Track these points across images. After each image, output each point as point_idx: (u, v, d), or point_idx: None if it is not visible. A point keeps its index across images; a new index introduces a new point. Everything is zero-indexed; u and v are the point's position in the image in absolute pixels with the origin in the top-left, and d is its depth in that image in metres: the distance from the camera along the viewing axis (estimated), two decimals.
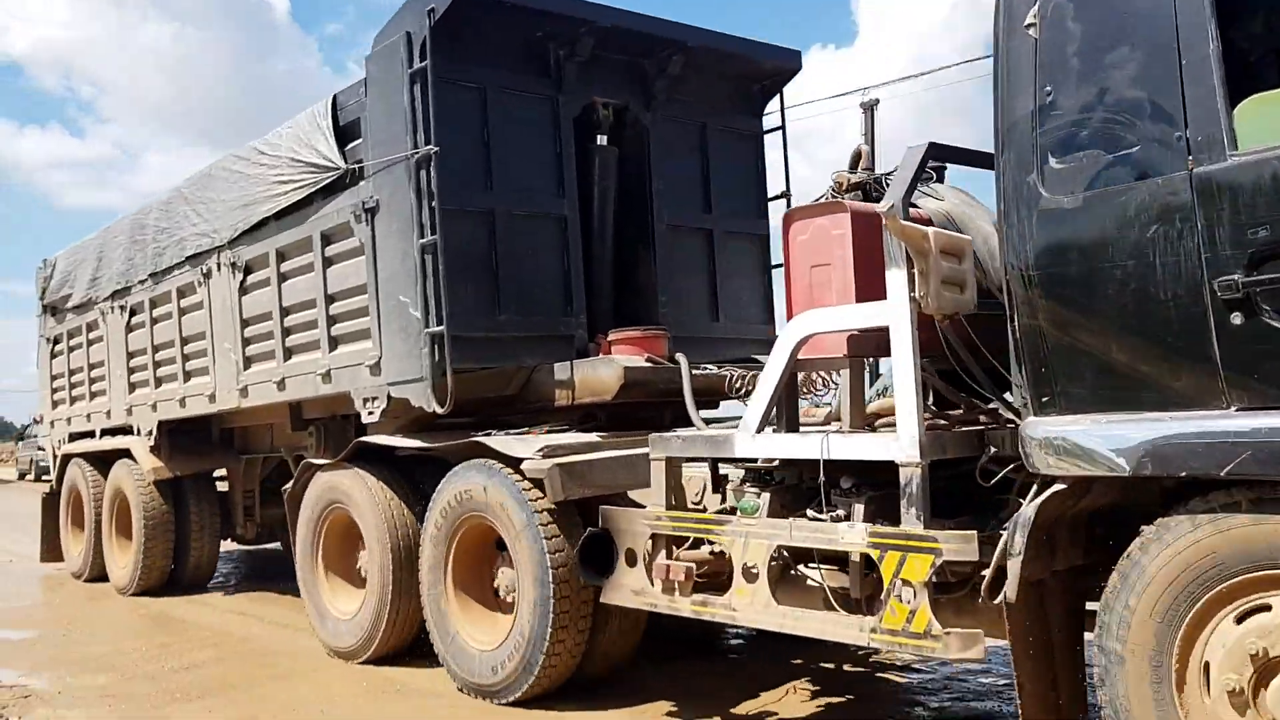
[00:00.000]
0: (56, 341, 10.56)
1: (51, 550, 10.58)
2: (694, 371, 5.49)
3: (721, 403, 6.35)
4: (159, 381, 8.50)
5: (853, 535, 3.58)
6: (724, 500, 4.44)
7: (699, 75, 6.57)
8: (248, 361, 7.24)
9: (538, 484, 4.81)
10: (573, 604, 4.75)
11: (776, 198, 7.07)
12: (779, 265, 7.09)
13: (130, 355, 8.94)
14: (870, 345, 3.81)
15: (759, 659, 6.10)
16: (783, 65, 6.87)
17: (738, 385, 5.42)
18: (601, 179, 6.34)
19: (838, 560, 3.88)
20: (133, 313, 8.84)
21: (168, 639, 7.20)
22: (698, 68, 6.51)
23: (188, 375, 8.05)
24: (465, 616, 5.28)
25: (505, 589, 5.17)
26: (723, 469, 4.52)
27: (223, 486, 9.25)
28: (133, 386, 8.94)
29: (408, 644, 5.96)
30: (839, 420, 4.19)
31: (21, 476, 32.85)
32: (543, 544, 4.74)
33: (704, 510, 4.38)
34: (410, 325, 5.66)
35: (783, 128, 7.07)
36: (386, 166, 5.80)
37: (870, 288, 3.77)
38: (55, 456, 10.64)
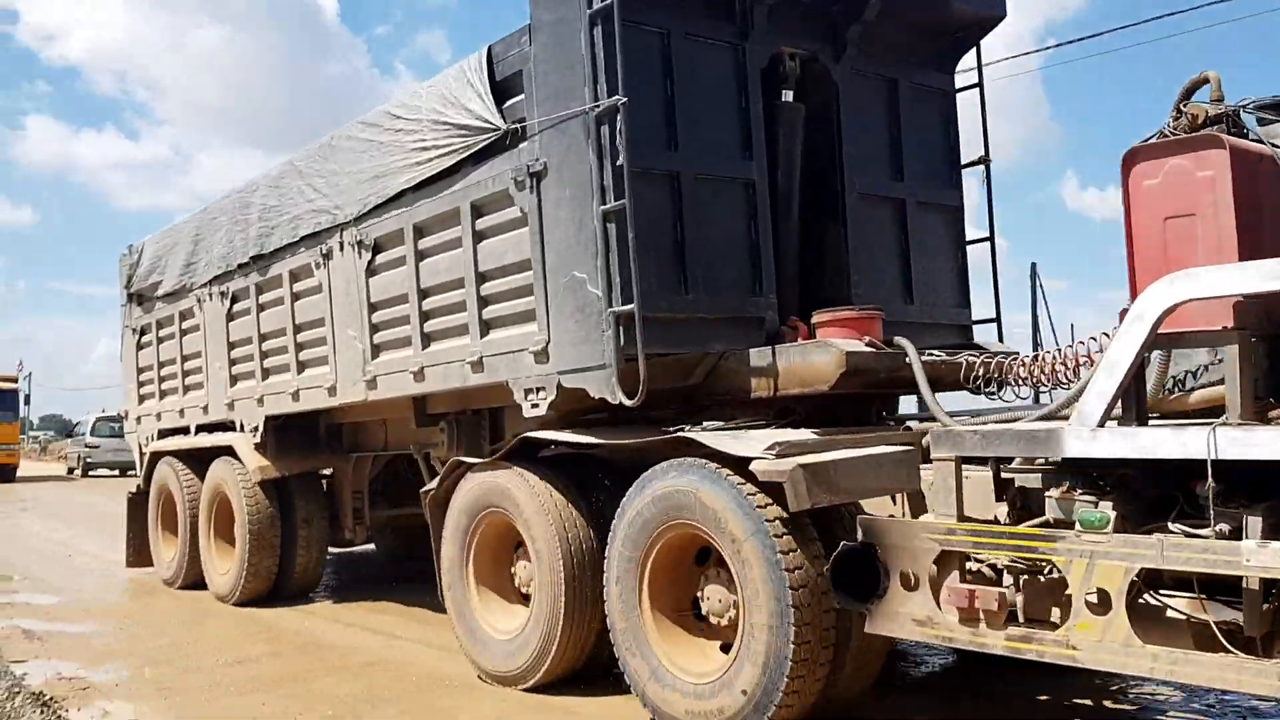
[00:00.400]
0: (143, 332, 9.97)
1: (139, 554, 9.99)
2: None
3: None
4: (266, 373, 7.85)
5: (1264, 557, 2.78)
6: (1016, 509, 3.66)
7: (891, 22, 5.79)
8: (376, 350, 6.55)
9: (768, 488, 4.06)
10: (815, 631, 3.98)
11: (973, 164, 6.28)
12: (977, 240, 6.38)
13: (232, 345, 8.30)
14: (1253, 315, 3.01)
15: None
16: (983, 14, 6.07)
17: (979, 374, 4.63)
18: (787, 140, 5.59)
19: (1209, 586, 3.09)
20: (235, 299, 8.21)
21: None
22: (891, 14, 5.73)
23: (301, 366, 7.39)
24: (667, 642, 4.52)
25: (716, 611, 4.41)
26: (1004, 473, 3.76)
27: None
28: (235, 379, 8.31)
29: (579, 667, 5.23)
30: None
31: (70, 472, 33.66)
32: (777, 559, 3.98)
33: (995, 521, 3.60)
34: (588, 305, 4.93)
35: (980, 85, 6.26)
36: (558, 123, 5.07)
37: (1256, 244, 2.97)
38: (142, 454, 10.05)
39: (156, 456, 9.58)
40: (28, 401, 31.65)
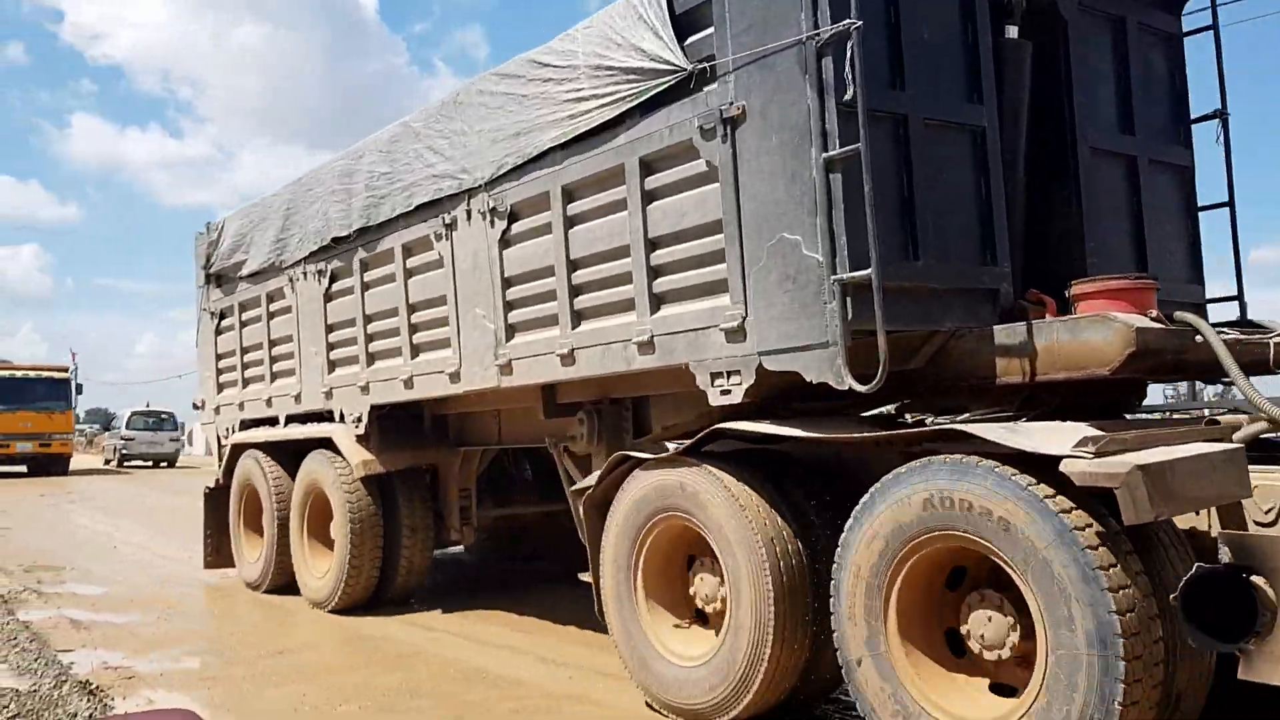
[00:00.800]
0: (223, 316, 9.27)
1: (217, 554, 9.30)
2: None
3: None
4: (372, 359, 7.10)
5: None
6: None
7: None
8: (510, 331, 5.78)
9: (1075, 494, 3.24)
10: (1146, 666, 3.15)
11: (1205, 118, 5.41)
12: (1212, 206, 5.52)
13: (330, 328, 7.56)
14: None
15: None
16: None
17: None
18: (1014, 83, 4.74)
19: None
20: (334, 278, 7.47)
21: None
22: None
23: (416, 350, 6.63)
24: (922, 680, 3.70)
25: (990, 642, 3.59)
26: None
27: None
28: (333, 365, 7.57)
29: (781, 700, 4.42)
30: None
31: (106, 463, 35.25)
32: (1095, 575, 3.15)
33: None
34: (803, 272, 4.13)
35: (1214, 27, 5.39)
36: (763, 58, 4.26)
37: None
38: (221, 447, 9.36)
39: (239, 449, 8.88)
40: (80, 392, 31.17)
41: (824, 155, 4.04)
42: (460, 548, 8.97)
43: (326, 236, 7.36)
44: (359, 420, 7.21)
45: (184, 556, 10.86)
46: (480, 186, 5.87)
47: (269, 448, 8.45)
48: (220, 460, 9.39)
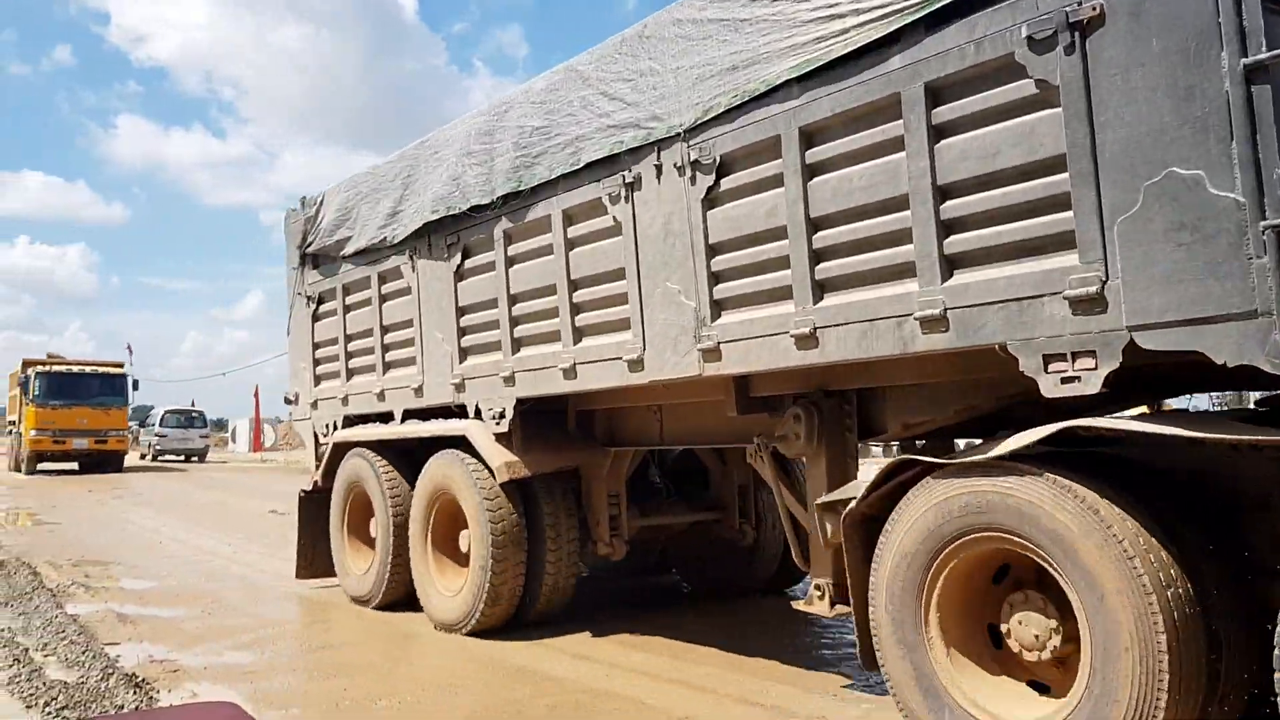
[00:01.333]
0: (322, 300, 8.28)
1: (312, 563, 8.32)
2: None
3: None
4: (518, 345, 6.08)
5: None
6: None
7: None
8: (717, 308, 4.74)
9: None
10: None
11: None
12: None
13: (462, 311, 6.56)
14: None
15: None
16: None
17: None
18: None
19: None
20: (469, 252, 6.46)
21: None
22: None
23: (579, 333, 5.61)
24: None
25: None
26: None
27: None
28: (465, 353, 6.56)
29: None
30: None
31: (141, 457, 36.49)
32: None
33: None
34: (1209, 218, 3.08)
35: None
36: None
37: None
38: (319, 445, 8.38)
39: (342, 448, 7.89)
40: (136, 388, 30.47)
41: (1244, 61, 2.99)
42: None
43: (460, 205, 6.34)
44: (500, 416, 6.20)
45: (228, 553, 11.12)
46: (677, 135, 4.84)
47: (381, 447, 7.46)
48: (318, 460, 8.41)
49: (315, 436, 8.44)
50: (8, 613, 7.55)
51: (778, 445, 5.03)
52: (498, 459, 6.17)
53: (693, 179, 4.78)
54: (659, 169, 4.97)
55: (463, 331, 6.55)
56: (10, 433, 32.36)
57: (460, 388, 6.56)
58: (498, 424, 6.22)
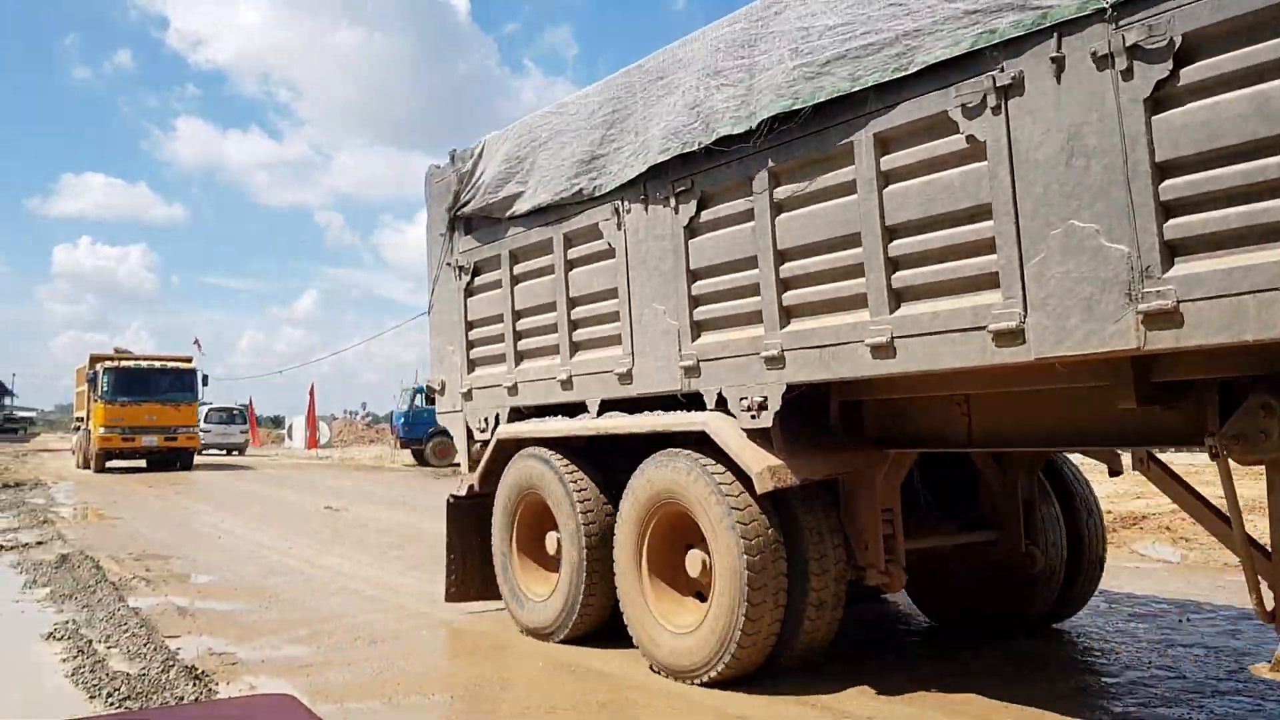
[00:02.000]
0: (478, 271, 6.89)
1: (464, 583, 6.93)
2: None
3: None
4: (789, 315, 4.66)
5: None
6: None
7: None
8: (1169, 253, 3.29)
9: None
10: None
11: None
12: None
13: (695, 275, 5.15)
14: None
15: None
16: None
17: None
18: None
19: None
20: (707, 201, 5.05)
21: None
22: None
23: (898, 298, 4.17)
24: None
25: None
26: None
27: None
28: (700, 328, 5.15)
29: None
30: None
31: None
32: None
33: None
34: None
35: None
36: None
37: None
38: (473, 443, 7.00)
39: (509, 447, 6.50)
40: (206, 383, 29.01)
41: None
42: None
43: (701, 139, 4.93)
44: (758, 407, 4.77)
45: (284, 548, 11.00)
46: (1098, 12, 3.40)
47: (563, 446, 6.07)
48: (471, 461, 7.03)
49: (468, 432, 7.05)
50: (72, 605, 7.52)
51: (1228, 448, 3.57)
52: (757, 462, 4.74)
53: (1127, 71, 3.33)
54: (1058, 63, 3.52)
55: (697, 301, 5.14)
56: (78, 429, 31.31)
57: (693, 371, 5.15)
58: (754, 416, 4.79)
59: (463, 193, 6.87)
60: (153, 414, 26.37)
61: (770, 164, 4.65)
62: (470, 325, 7.00)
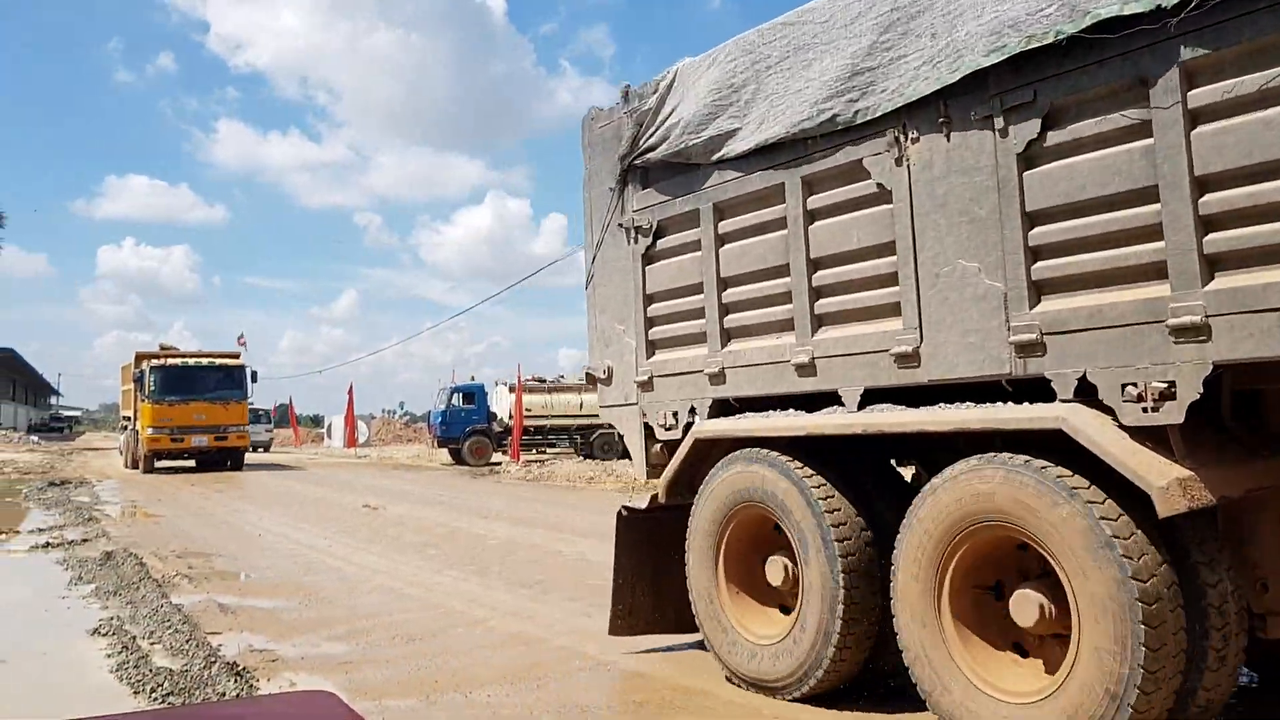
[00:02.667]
0: (661, 232, 5.51)
1: (633, 615, 5.59)
2: None
3: None
4: (1215, 266, 3.26)
5: None
6: None
7: None
8: None
9: None
10: None
11: None
12: None
13: (1036, 218, 3.72)
14: None
15: None
16: None
17: None
18: None
19: None
20: (1058, 119, 3.64)
21: None
22: None
23: None
24: None
25: None
26: None
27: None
28: (1041, 290, 3.73)
29: None
30: None
31: None
32: None
33: None
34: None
35: None
36: None
37: None
38: (653, 443, 5.62)
39: (714, 448, 5.12)
40: (255, 379, 27.32)
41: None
42: None
43: (1060, 28, 3.54)
44: (1158, 398, 3.36)
45: (324, 546, 10.84)
46: None
47: (800, 447, 4.67)
48: (649, 464, 5.64)
49: (645, 430, 5.66)
50: (117, 601, 7.44)
51: None
52: (1158, 474, 3.32)
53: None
54: None
55: (1038, 253, 3.73)
56: (125, 428, 29.96)
57: (1031, 349, 3.73)
58: (1149, 410, 3.38)
59: (642, 137, 5.49)
60: (201, 413, 25.08)
61: (1188, 53, 3.25)
62: (650, 299, 5.60)
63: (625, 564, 5.57)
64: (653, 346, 5.59)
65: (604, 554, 10.20)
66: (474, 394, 30.52)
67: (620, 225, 5.73)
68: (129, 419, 28.63)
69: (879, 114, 4.22)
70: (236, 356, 27.55)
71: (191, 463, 26.39)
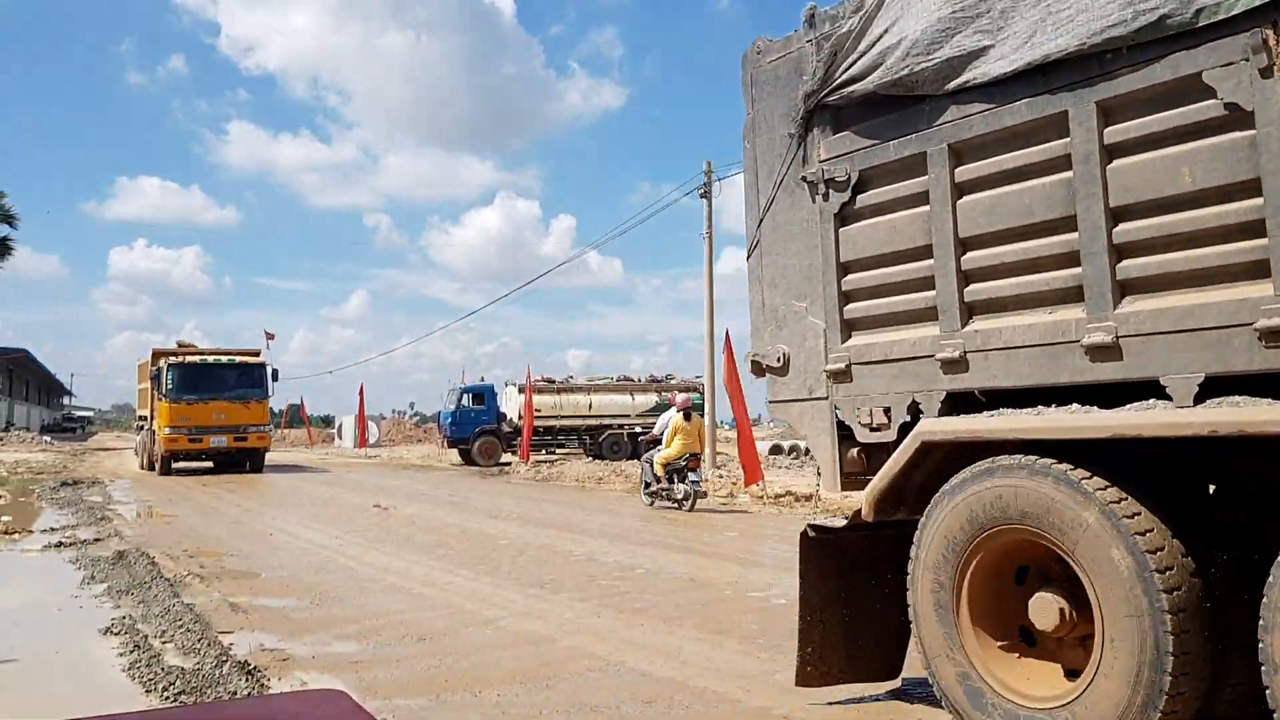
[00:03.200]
0: (862, 186, 4.34)
1: (823, 662, 4.45)
2: None
3: None
4: None
5: None
6: None
7: None
8: None
9: None
10: None
11: None
12: None
13: None
14: None
15: None
16: None
17: None
18: None
19: None
20: None
21: None
22: None
23: None
24: None
25: None
26: None
27: None
28: None
29: None
30: None
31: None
32: None
33: None
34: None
35: None
36: None
37: None
38: (848, 446, 4.45)
39: (944, 451, 3.98)
40: (276, 378, 25.55)
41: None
42: None
43: None
44: None
45: (335, 545, 10.75)
46: None
47: (1096, 454, 3.53)
48: (840, 473, 4.49)
49: (837, 429, 4.49)
50: (129, 601, 7.38)
51: None
52: None
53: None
54: None
55: None
56: (141, 428, 28.57)
57: None
58: None
59: (839, 67, 4.35)
60: (220, 413, 23.69)
61: None
62: (845, 268, 4.43)
63: (813, 597, 4.42)
64: (850, 327, 4.43)
65: (613, 554, 9.71)
66: (484, 394, 30.00)
67: (802, 180, 4.57)
68: (145, 418, 27.27)
69: (1237, 10, 3.11)
70: (257, 354, 26.14)
71: (209, 464, 25.06)
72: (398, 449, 42.78)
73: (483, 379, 33.35)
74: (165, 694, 4.86)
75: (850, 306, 4.41)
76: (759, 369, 4.77)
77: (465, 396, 29.59)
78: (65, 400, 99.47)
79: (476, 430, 29.25)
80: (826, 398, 4.47)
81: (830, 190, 4.42)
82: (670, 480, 14.48)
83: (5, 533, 11.55)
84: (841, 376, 4.40)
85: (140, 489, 19.94)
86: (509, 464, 27.69)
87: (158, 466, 23.87)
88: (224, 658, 5.51)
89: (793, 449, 33.92)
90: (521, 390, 28.34)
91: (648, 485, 14.98)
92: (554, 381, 30.82)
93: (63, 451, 36.59)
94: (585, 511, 14.50)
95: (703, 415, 20.30)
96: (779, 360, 4.67)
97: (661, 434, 14.97)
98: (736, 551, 10.24)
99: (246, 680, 5.06)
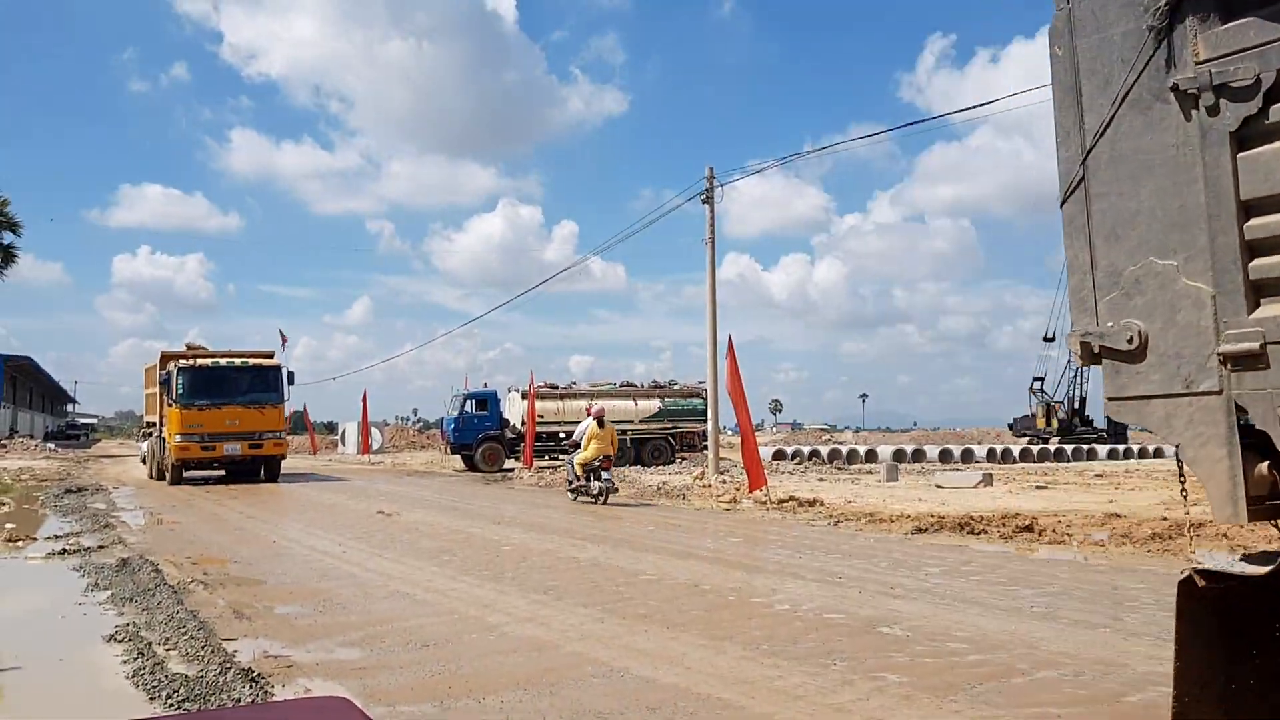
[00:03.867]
0: (1275, 92, 2.07)
1: None
2: None
3: None
4: None
5: None
6: None
7: None
8: None
9: None
10: None
11: None
12: None
13: None
14: None
15: None
16: None
17: None
18: None
19: None
20: None
21: None
22: None
23: None
24: None
25: None
26: None
27: None
28: None
29: None
30: None
31: None
32: None
33: None
34: None
35: None
36: None
37: None
38: (1257, 462, 2.57)
39: None
40: (292, 381, 23.87)
41: None
42: None
43: None
44: None
45: (338, 552, 10.72)
46: None
47: None
48: (1246, 494, 2.59)
49: (1239, 436, 2.70)
50: (132, 608, 7.37)
51: None
52: None
53: None
54: None
55: None
56: (148, 435, 27.37)
57: None
58: None
59: None
60: (234, 418, 22.42)
61: None
62: (1250, 207, 2.39)
63: (1195, 668, 2.80)
64: (1260, 291, 2.67)
65: (617, 560, 9.81)
66: (487, 401, 29.97)
67: (1172, 89, 2.88)
68: (153, 425, 25.94)
69: None
70: (271, 356, 24.46)
71: (221, 472, 23.99)
72: (401, 455, 42.77)
73: (486, 385, 33.40)
74: (169, 701, 4.85)
75: (1259, 262, 2.73)
76: (1090, 354, 3.09)
77: (468, 402, 29.60)
78: (69, 407, 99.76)
79: (480, 436, 29.29)
80: (1219, 391, 2.92)
81: (1224, 100, 2.89)
82: (588, 478, 16.72)
83: (9, 540, 11.54)
84: (1250, 361, 2.82)
85: (143, 496, 19.74)
86: (512, 470, 27.67)
87: (168, 475, 22.90)
88: (228, 665, 5.49)
89: (795, 454, 33.69)
90: (524, 396, 28.31)
91: (570, 483, 17.25)
92: (557, 387, 30.86)
93: (66, 459, 36.47)
94: (588, 517, 14.49)
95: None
96: (1130, 340, 3.04)
97: (579, 440, 17.04)
98: (740, 557, 10.19)
99: (250, 687, 5.05)
